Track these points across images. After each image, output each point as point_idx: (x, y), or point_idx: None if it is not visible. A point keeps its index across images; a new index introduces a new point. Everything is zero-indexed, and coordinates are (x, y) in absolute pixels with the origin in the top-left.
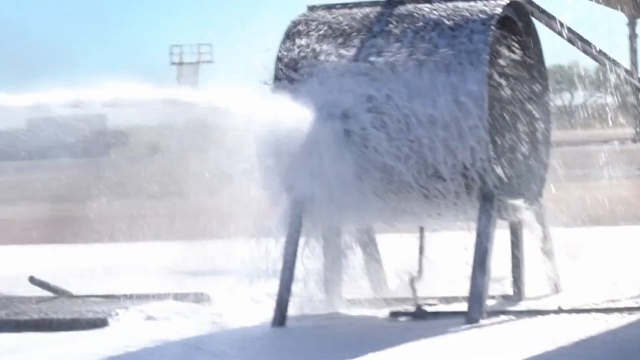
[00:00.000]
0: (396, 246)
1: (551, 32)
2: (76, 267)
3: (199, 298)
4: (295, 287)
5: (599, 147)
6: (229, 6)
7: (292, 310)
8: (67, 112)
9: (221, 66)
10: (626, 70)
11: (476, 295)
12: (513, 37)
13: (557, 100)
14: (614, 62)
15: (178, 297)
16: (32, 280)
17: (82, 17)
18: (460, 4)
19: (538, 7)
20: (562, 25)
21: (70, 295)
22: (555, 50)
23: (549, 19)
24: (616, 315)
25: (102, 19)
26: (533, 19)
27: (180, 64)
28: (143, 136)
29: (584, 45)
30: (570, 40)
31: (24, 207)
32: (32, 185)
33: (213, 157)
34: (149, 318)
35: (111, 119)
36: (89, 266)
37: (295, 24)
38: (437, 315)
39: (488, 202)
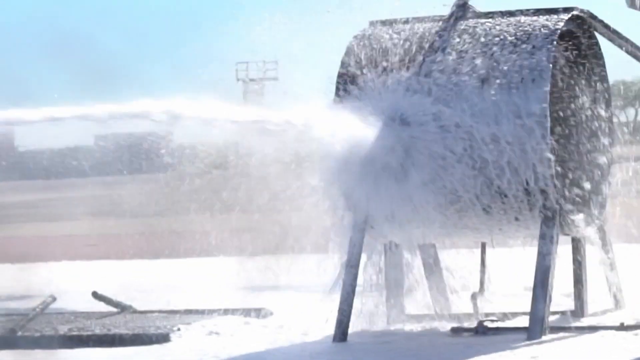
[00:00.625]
0: (458, 261)
1: (614, 46)
2: (140, 282)
3: (261, 313)
4: (357, 302)
5: None
6: (294, 23)
7: (353, 326)
8: (133, 128)
9: (286, 83)
10: None
11: (537, 311)
12: (575, 51)
13: (622, 115)
14: None
15: (241, 312)
16: (95, 295)
17: (150, 33)
18: (523, 18)
19: (601, 21)
20: (624, 39)
21: (133, 311)
22: (619, 65)
23: (611, 33)
24: None
25: (170, 34)
26: (596, 33)
27: (246, 80)
28: (209, 151)
29: None
30: (632, 55)
31: (88, 223)
32: (96, 200)
33: (278, 173)
34: (211, 333)
35: (177, 133)
36: (153, 281)
37: (356, 40)
38: (498, 331)
39: (550, 218)
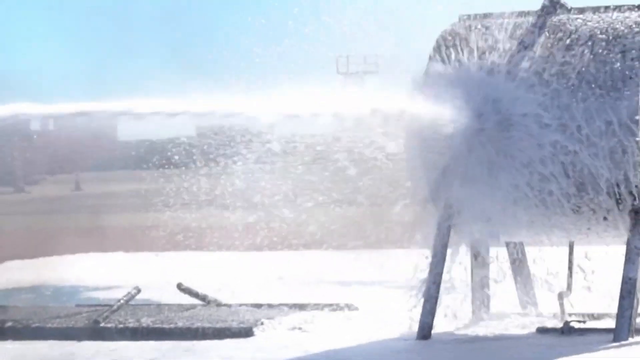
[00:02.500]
0: (546, 260)
1: None
2: (226, 274)
3: (345, 308)
4: (442, 300)
5: None
6: (394, 17)
7: (437, 323)
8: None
9: (385, 76)
10: None
11: (624, 312)
12: None
13: None
14: None
15: (326, 307)
16: (180, 287)
17: (252, 26)
18: (615, 15)
19: None
20: None
21: (218, 304)
22: None
23: None
24: None
25: (270, 28)
26: None
27: (346, 74)
28: (309, 144)
29: None
30: None
31: (180, 214)
32: (190, 191)
33: (370, 165)
34: (295, 328)
35: (278, 126)
36: (239, 274)
37: (445, 34)
38: (584, 331)
39: (639, 218)
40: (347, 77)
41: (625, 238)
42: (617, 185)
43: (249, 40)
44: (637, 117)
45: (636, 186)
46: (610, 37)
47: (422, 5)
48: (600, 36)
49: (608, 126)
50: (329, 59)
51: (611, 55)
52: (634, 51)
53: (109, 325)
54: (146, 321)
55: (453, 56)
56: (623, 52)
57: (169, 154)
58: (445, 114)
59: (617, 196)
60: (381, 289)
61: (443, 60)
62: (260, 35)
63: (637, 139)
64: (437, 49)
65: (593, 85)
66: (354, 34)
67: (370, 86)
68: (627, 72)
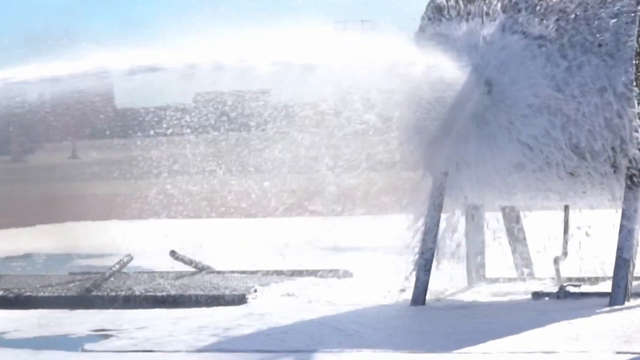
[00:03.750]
0: (541, 224)
1: None
2: (219, 241)
3: (340, 275)
4: (436, 265)
5: None
6: None
7: (432, 288)
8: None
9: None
10: None
11: (620, 276)
12: None
13: None
14: None
15: (319, 273)
16: (173, 254)
17: None
18: None
19: None
20: None
21: (211, 271)
22: None
23: None
24: None
25: None
26: None
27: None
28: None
29: None
30: None
31: (171, 180)
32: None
33: (355, 128)
34: (288, 295)
35: (274, 94)
36: (233, 241)
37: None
38: (580, 296)
39: (635, 182)
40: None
41: (620, 202)
42: (613, 149)
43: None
44: (632, 83)
45: (632, 149)
46: (602, 6)
47: None
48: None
49: (603, 92)
50: (327, 26)
51: (604, 19)
52: (627, 15)
53: (101, 293)
54: (138, 289)
55: (448, 16)
56: (617, 14)
57: (165, 121)
58: (444, 72)
59: (613, 160)
60: (376, 254)
61: (439, 20)
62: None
63: (633, 106)
64: (432, 7)
65: (587, 51)
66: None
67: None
68: (621, 37)
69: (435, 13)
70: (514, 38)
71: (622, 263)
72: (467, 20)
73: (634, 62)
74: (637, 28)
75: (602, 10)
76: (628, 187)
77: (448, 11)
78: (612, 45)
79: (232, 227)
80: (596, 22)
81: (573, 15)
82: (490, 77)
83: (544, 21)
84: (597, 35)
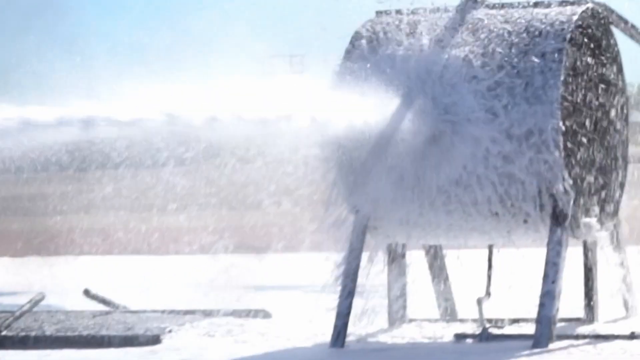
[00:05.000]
0: (465, 263)
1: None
2: (135, 279)
3: (258, 314)
4: (357, 305)
5: None
6: (319, 17)
7: (352, 329)
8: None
9: (311, 77)
10: None
11: (545, 317)
12: (590, 45)
13: None
14: None
15: (236, 313)
16: (87, 293)
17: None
18: (535, 12)
19: (618, 15)
20: None
21: (125, 310)
22: None
23: (629, 27)
24: None
25: (196, 31)
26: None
27: (273, 74)
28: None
29: None
30: None
31: (82, 217)
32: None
33: (277, 167)
34: (204, 335)
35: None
36: (147, 279)
37: (361, 29)
38: (502, 338)
39: (560, 221)
40: (273, 78)
41: (545, 241)
42: (539, 190)
43: (172, 38)
44: (558, 127)
45: (556, 188)
46: (530, 37)
47: (348, 3)
48: (520, 36)
49: (530, 136)
50: (256, 60)
51: (530, 58)
52: (552, 54)
53: (10, 333)
54: (50, 329)
55: (370, 50)
56: (543, 54)
57: (87, 155)
58: (365, 111)
59: (538, 200)
60: (297, 293)
61: (360, 55)
62: (181, 36)
63: (559, 148)
64: (354, 43)
65: (514, 93)
66: (280, 34)
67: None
68: (546, 78)
69: (360, 45)
70: (445, 74)
71: (546, 304)
72: (395, 54)
73: (559, 105)
74: (563, 70)
75: (530, 49)
76: (552, 227)
77: (376, 43)
78: (538, 87)
79: (149, 264)
80: (522, 62)
81: (499, 54)
82: (419, 115)
83: (473, 59)
84: (524, 76)
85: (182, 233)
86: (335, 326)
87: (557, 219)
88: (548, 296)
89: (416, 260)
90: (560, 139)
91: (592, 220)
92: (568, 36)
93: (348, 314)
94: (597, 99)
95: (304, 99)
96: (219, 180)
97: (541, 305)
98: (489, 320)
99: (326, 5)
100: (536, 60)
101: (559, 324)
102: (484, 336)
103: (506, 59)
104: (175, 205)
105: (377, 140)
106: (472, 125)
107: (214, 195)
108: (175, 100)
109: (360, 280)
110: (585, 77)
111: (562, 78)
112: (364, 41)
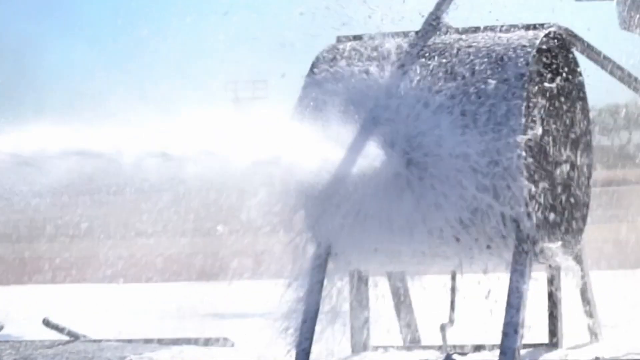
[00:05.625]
0: (429, 289)
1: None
2: (94, 308)
3: (220, 343)
4: (318, 332)
5: None
6: (283, 42)
7: (314, 357)
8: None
9: (275, 102)
10: None
11: (508, 343)
12: (552, 66)
13: (614, 139)
14: None
15: (198, 341)
16: (47, 323)
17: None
18: (497, 36)
19: (581, 40)
20: (606, 58)
21: (86, 339)
22: (613, 89)
23: (591, 51)
24: None
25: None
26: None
27: (236, 99)
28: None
29: (629, 78)
30: (614, 75)
31: (40, 246)
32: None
33: (238, 194)
34: None
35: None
36: (108, 307)
37: (321, 56)
38: None
39: (523, 246)
40: (236, 103)
41: (509, 267)
42: (502, 215)
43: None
44: (521, 155)
45: (519, 213)
46: (493, 63)
47: (312, 30)
48: (483, 60)
49: (494, 163)
50: (218, 85)
51: (491, 86)
52: (514, 79)
53: None
54: (9, 359)
55: (329, 77)
56: (505, 80)
57: (44, 184)
58: (323, 142)
59: (501, 225)
60: (259, 321)
61: (319, 82)
62: (143, 60)
63: (521, 175)
64: (313, 69)
65: (477, 121)
66: (243, 59)
67: (259, 112)
68: (509, 105)
69: (320, 71)
70: (407, 102)
71: (510, 330)
72: (354, 81)
73: (522, 131)
74: (525, 96)
75: (492, 75)
76: (516, 253)
77: (335, 69)
78: (501, 115)
79: (109, 293)
80: (485, 89)
81: (462, 81)
82: (380, 146)
83: (437, 86)
84: (488, 104)
85: (142, 261)
86: (297, 353)
87: (521, 244)
88: (511, 325)
89: (379, 286)
90: (524, 166)
91: (556, 245)
92: (530, 61)
93: (310, 342)
94: (561, 123)
95: (262, 130)
96: (178, 208)
97: (504, 335)
98: (453, 347)
99: (292, 28)
100: (499, 86)
101: (523, 350)
102: None
103: (469, 86)
104: (134, 232)
105: (335, 172)
106: (438, 160)
107: (174, 223)
108: (126, 128)
109: (322, 306)
110: (548, 101)
111: (524, 104)
112: (323, 67)
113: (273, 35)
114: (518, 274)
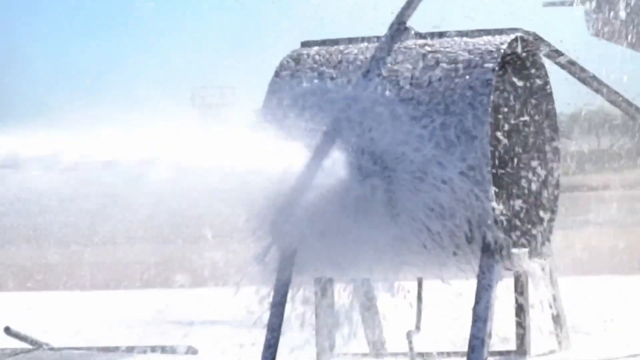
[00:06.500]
0: (394, 297)
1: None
2: (56, 316)
3: (184, 350)
4: (283, 339)
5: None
6: (249, 48)
7: None
8: None
9: (243, 109)
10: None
11: (475, 350)
12: (519, 73)
13: (584, 144)
14: (628, 103)
15: (162, 349)
16: (8, 331)
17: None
18: (464, 41)
19: (548, 44)
20: (573, 63)
21: (48, 347)
22: (583, 94)
23: (558, 56)
24: None
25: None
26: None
27: (202, 105)
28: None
29: (597, 83)
30: (581, 80)
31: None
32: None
33: (202, 199)
34: None
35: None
36: (71, 315)
37: (285, 61)
38: None
39: (490, 253)
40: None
41: (476, 273)
42: (468, 221)
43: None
44: (487, 160)
45: (485, 218)
46: (459, 69)
47: (277, 36)
48: (449, 67)
49: (460, 171)
50: (185, 91)
51: (457, 92)
52: (480, 86)
53: None
54: None
55: (292, 84)
56: (471, 86)
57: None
58: (279, 147)
59: (468, 232)
60: (223, 329)
61: (282, 89)
62: (110, 64)
63: (488, 183)
64: (277, 76)
65: (442, 129)
66: (210, 66)
67: (226, 119)
68: (476, 112)
69: (283, 78)
70: (372, 109)
71: (477, 337)
72: (317, 87)
73: (489, 139)
74: (491, 104)
75: (458, 81)
76: (482, 260)
77: (299, 75)
78: (468, 123)
79: (71, 300)
80: (451, 96)
81: (428, 88)
82: (345, 147)
83: (403, 93)
84: (454, 113)
85: (105, 268)
86: None
87: (487, 251)
88: (478, 329)
89: (345, 293)
90: (490, 173)
91: (523, 251)
92: (496, 67)
93: (275, 348)
94: (528, 128)
95: (226, 136)
96: (144, 215)
97: (472, 338)
98: (419, 354)
99: (261, 35)
100: (465, 92)
101: (490, 358)
102: None
103: (435, 93)
104: (98, 239)
105: (297, 180)
106: (404, 167)
107: (139, 229)
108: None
109: (287, 314)
110: (515, 107)
111: (490, 111)
112: (287, 73)
113: (241, 40)
114: (485, 280)
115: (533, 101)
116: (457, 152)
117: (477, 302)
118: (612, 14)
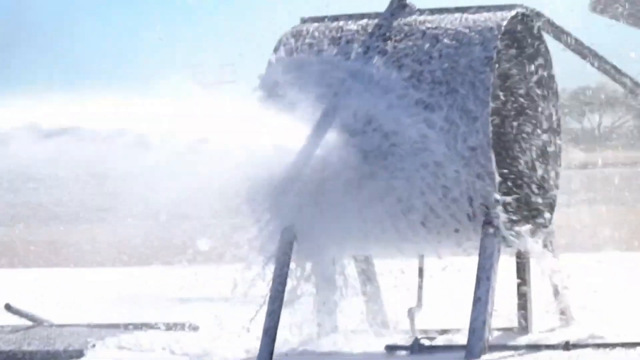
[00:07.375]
0: (397, 273)
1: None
2: (57, 293)
3: (184, 327)
4: (284, 315)
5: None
6: (249, 26)
7: (280, 341)
8: None
9: (243, 86)
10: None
11: (477, 327)
12: (519, 49)
13: (585, 122)
14: (632, 80)
15: (163, 326)
16: (8, 308)
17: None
18: (464, 17)
19: (549, 20)
20: (571, 37)
21: (49, 324)
22: (583, 72)
23: (558, 30)
24: (631, 350)
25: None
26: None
27: (203, 84)
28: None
29: (599, 61)
30: (582, 55)
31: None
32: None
33: (204, 176)
34: (128, 349)
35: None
36: (71, 292)
37: (285, 37)
38: (435, 349)
39: (491, 230)
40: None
41: (477, 250)
42: (470, 198)
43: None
44: (489, 139)
45: (487, 195)
46: (459, 46)
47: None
48: (449, 44)
49: (461, 148)
50: (186, 69)
51: (458, 69)
52: (481, 64)
53: None
54: None
55: (292, 61)
56: (471, 63)
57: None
58: (284, 127)
59: (469, 209)
60: (225, 305)
61: (282, 66)
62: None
63: (489, 161)
64: (276, 52)
65: (442, 106)
66: (210, 44)
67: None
68: (476, 90)
69: (282, 55)
70: (373, 87)
71: (479, 314)
72: (317, 63)
73: (489, 117)
74: (491, 81)
75: (459, 59)
76: (484, 236)
77: (298, 52)
78: (469, 101)
79: (72, 277)
80: (452, 74)
81: (428, 65)
82: (346, 123)
83: (403, 70)
84: (454, 91)
85: (105, 245)
86: (262, 341)
87: (489, 227)
88: (479, 306)
89: (345, 270)
90: (492, 151)
91: (525, 228)
92: (497, 44)
93: (275, 329)
94: (529, 106)
95: (224, 115)
96: (142, 192)
97: (473, 315)
98: (421, 331)
99: (260, 13)
100: (465, 69)
101: (492, 334)
102: (415, 347)
103: (436, 69)
104: (96, 216)
105: (297, 157)
106: (404, 144)
107: (137, 206)
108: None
109: (288, 291)
110: (516, 84)
111: (491, 89)
112: (286, 49)
113: (244, 18)
114: (486, 256)
115: (534, 78)
116: (458, 128)
117: (477, 279)
118: None
